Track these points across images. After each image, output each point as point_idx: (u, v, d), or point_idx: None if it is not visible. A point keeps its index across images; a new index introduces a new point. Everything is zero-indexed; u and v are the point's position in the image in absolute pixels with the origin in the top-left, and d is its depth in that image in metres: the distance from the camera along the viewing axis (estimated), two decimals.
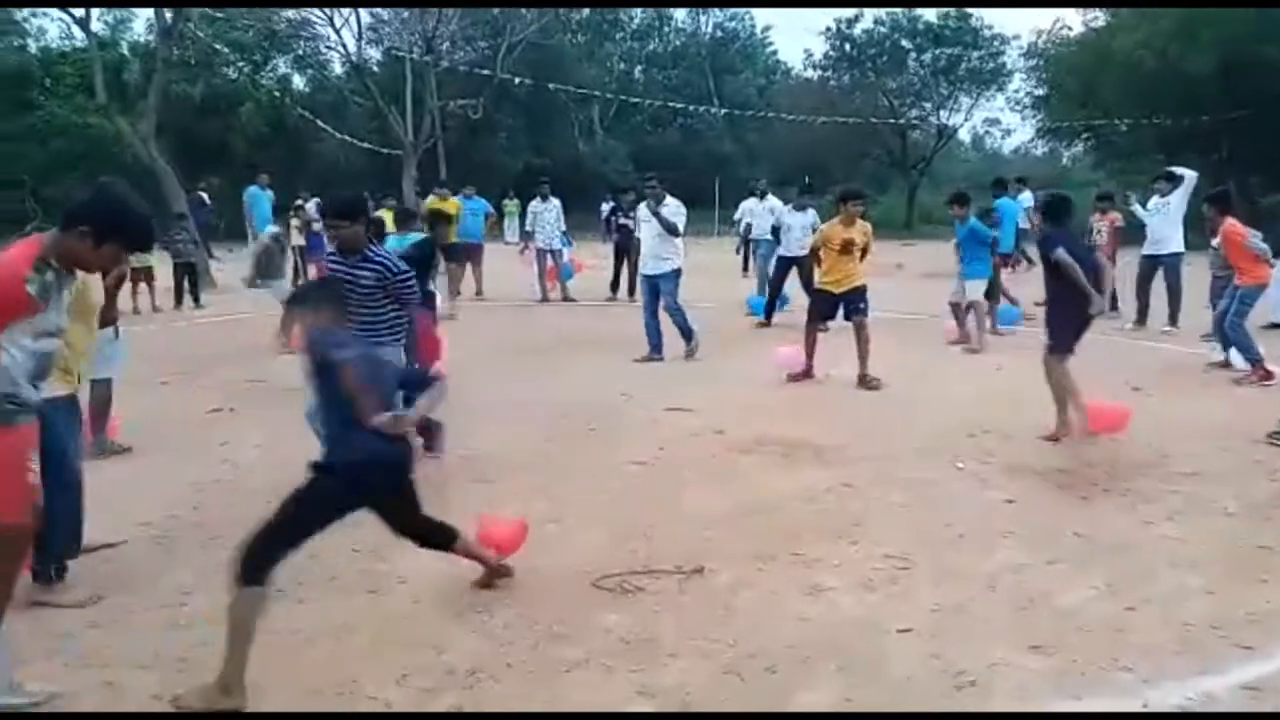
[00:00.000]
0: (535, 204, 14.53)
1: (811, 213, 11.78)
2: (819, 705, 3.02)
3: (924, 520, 4.74)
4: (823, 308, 8.34)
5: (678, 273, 9.22)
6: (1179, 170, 11.15)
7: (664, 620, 3.62)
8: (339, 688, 3.16)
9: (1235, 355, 8.17)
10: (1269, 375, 7.72)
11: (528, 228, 14.66)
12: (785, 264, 11.65)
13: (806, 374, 8.17)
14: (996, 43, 40.65)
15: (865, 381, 7.84)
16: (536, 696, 3.09)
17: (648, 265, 9.39)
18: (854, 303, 8.16)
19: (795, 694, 3.08)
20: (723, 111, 37.07)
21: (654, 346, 9.15)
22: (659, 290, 9.17)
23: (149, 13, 21.56)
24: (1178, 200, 10.70)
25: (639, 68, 49.40)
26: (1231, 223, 8.45)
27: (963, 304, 10.05)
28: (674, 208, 9.21)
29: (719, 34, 49.59)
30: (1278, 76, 23.85)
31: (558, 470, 5.59)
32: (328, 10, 28.17)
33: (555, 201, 14.48)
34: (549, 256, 14.38)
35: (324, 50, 33.95)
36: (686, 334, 9.24)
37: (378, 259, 5.02)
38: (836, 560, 4.20)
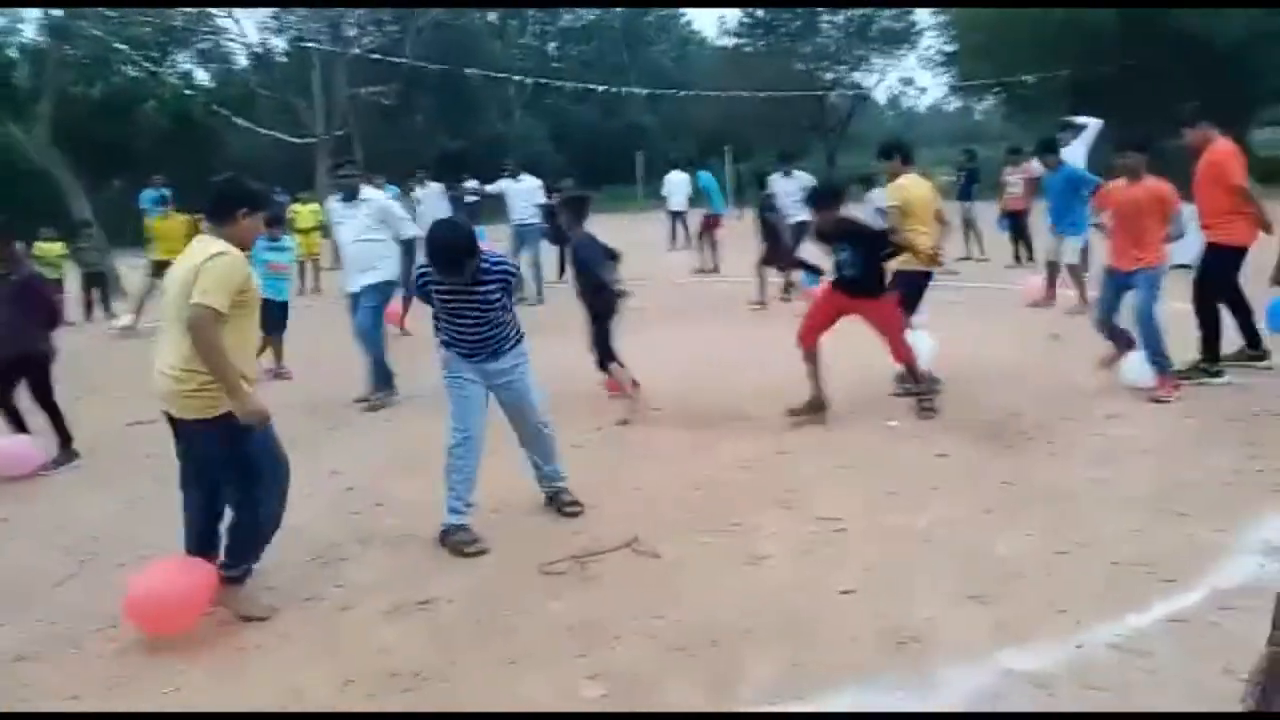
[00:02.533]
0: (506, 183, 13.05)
1: (799, 177, 11.77)
2: (767, 674, 3.05)
3: (858, 481, 4.81)
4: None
5: (389, 285, 6.91)
6: (1079, 119, 10.75)
7: (609, 602, 3.62)
8: (282, 698, 3.10)
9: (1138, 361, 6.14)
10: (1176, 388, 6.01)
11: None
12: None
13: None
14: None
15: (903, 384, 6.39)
16: (484, 692, 3.07)
17: (351, 280, 6.99)
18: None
19: (741, 665, 3.11)
20: (644, 92, 36.89)
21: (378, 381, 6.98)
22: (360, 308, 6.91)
23: (38, 13, 20.65)
24: (1080, 149, 10.64)
25: (553, 44, 48.97)
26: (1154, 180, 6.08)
27: (1061, 263, 9.24)
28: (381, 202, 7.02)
29: (630, 6, 49.37)
30: (1177, 23, 24.56)
31: (497, 456, 5.53)
32: None
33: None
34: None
35: (225, 43, 32.98)
36: (382, 378, 6.95)
37: (497, 269, 4.24)
38: (774, 528, 4.24)
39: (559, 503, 4.53)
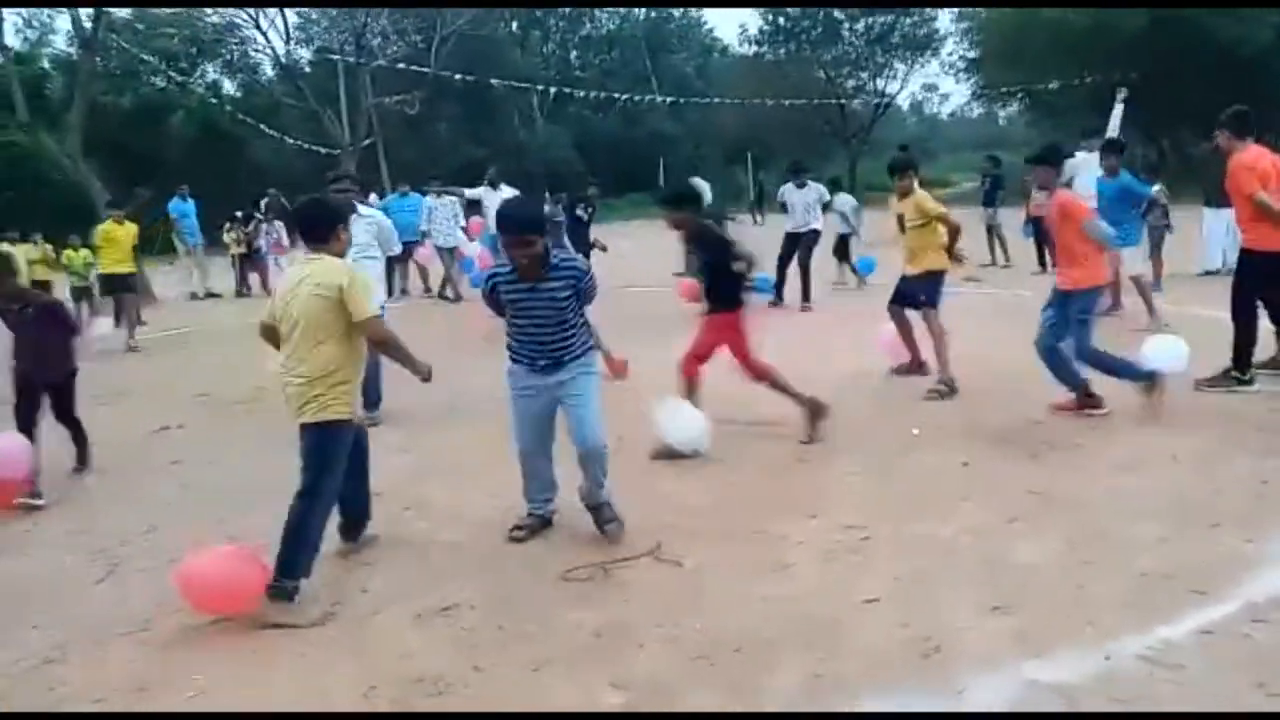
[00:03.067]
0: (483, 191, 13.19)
1: (814, 188, 11.77)
2: (789, 683, 3.04)
3: (881, 489, 4.79)
4: (896, 290, 7.09)
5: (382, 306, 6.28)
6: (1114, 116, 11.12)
7: (632, 609, 3.62)
8: (306, 702, 3.11)
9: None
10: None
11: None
12: (790, 240, 11.55)
13: (916, 366, 7.07)
14: (929, 8, 41.00)
15: (936, 386, 6.55)
16: (508, 699, 3.07)
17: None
18: (914, 292, 6.83)
19: (765, 673, 3.09)
20: (667, 100, 37.03)
21: None
22: None
23: (70, 25, 20.97)
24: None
25: (574, 53, 49.17)
26: (1065, 192, 6.13)
27: (1140, 278, 8.80)
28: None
29: (653, 14, 49.50)
30: (1202, 30, 24.36)
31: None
32: (252, 11, 27.63)
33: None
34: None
35: (252, 54, 33.37)
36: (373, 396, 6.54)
37: (565, 266, 4.21)
38: (798, 536, 4.22)
39: (601, 518, 4.39)
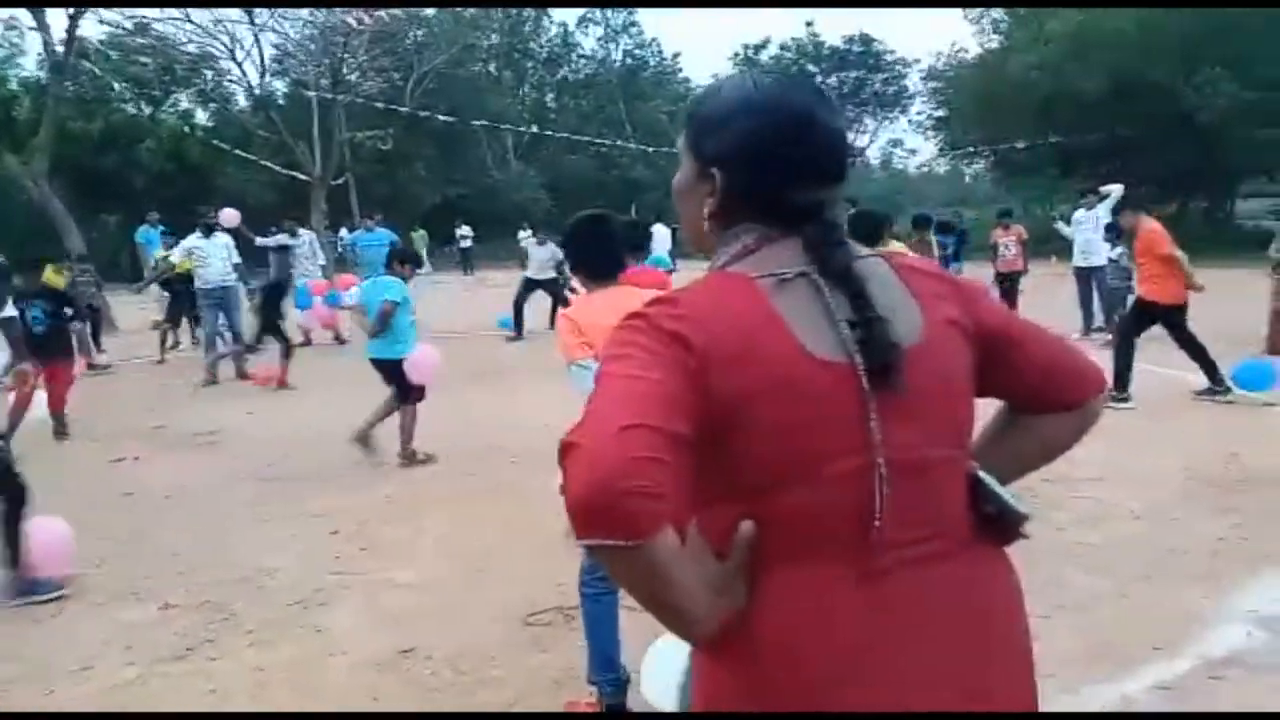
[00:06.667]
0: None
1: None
2: None
3: None
4: None
5: None
6: (1105, 188, 11.81)
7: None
8: None
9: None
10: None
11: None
12: None
13: None
14: (899, 66, 42.12)
15: None
16: None
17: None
18: None
19: None
20: (639, 148, 37.40)
21: None
22: None
23: (40, 47, 20.84)
24: (1103, 213, 11.17)
25: (550, 95, 49.60)
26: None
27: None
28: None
29: (629, 61, 50.15)
30: (1163, 96, 25.15)
31: (485, 501, 5.51)
32: (228, 41, 27.65)
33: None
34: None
35: (226, 84, 33.32)
36: None
37: None
38: None
39: None
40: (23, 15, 20.06)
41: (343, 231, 19.39)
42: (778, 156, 1.18)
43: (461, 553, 4.60)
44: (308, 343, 13.19)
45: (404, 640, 3.74)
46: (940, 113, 39.05)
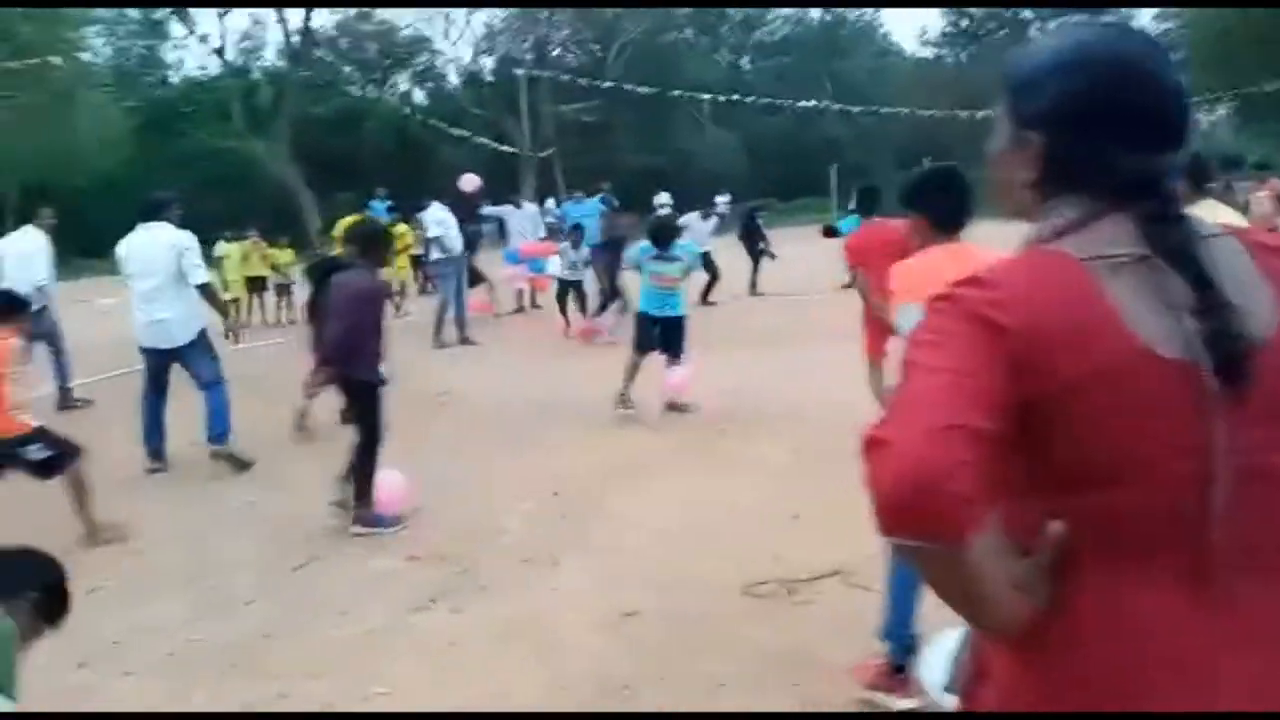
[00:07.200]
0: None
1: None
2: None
3: None
4: None
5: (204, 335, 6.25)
6: None
7: (818, 631, 3.54)
8: (490, 700, 3.20)
9: None
10: None
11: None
12: None
13: None
14: (1126, 9, 38.63)
15: None
16: (693, 711, 3.08)
17: (152, 334, 6.15)
18: None
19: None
20: (841, 107, 36.32)
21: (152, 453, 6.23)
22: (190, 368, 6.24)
23: (279, 38, 22.63)
24: None
25: (745, 58, 48.97)
26: None
27: None
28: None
29: (828, 17, 48.73)
30: None
31: (689, 474, 5.58)
32: (444, 23, 29.02)
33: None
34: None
35: (440, 65, 35.02)
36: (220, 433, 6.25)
37: None
38: None
39: None
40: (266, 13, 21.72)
41: (549, 202, 19.98)
42: (1105, 116, 1.06)
43: (680, 520, 4.68)
44: (521, 309, 13.77)
45: (627, 603, 3.85)
46: (1175, 55, 35.68)
